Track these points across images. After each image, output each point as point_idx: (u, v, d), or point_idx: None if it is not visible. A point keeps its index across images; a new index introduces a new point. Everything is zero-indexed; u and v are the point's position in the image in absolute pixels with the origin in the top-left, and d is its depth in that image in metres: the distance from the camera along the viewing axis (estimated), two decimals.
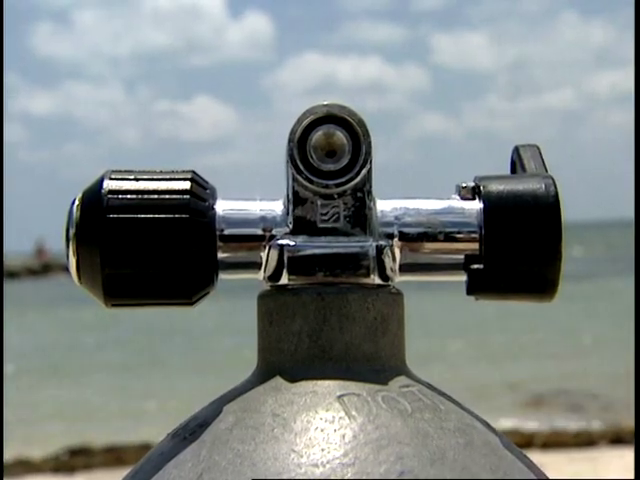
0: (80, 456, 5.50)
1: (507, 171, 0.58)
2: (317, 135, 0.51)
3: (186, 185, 0.51)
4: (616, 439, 5.37)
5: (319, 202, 0.52)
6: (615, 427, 5.58)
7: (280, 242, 0.52)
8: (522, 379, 7.69)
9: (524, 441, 5.00)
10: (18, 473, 5.20)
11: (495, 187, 0.53)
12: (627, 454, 4.67)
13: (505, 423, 5.58)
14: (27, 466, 5.36)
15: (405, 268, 0.53)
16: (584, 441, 5.42)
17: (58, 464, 5.42)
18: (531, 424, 5.87)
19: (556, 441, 5.37)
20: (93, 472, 5.28)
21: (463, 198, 0.53)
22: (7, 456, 5.22)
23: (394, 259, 0.52)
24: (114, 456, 5.39)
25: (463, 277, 0.53)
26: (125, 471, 0.53)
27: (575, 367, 8.18)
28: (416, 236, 0.53)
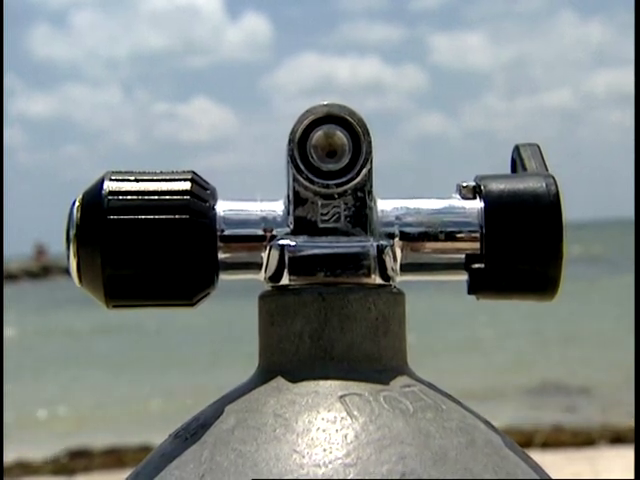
0: (80, 458, 5.50)
1: (506, 170, 0.59)
2: (317, 135, 0.51)
3: (186, 186, 0.51)
4: (616, 438, 5.37)
5: (320, 202, 0.52)
6: (614, 426, 5.58)
7: (281, 242, 0.52)
8: (521, 376, 7.71)
9: (524, 440, 4.99)
10: (18, 475, 5.19)
11: (496, 186, 0.53)
12: (627, 454, 4.67)
13: (504, 422, 5.58)
14: (27, 468, 5.36)
15: (406, 268, 0.53)
16: (583, 440, 5.42)
17: (58, 466, 5.42)
18: (531, 423, 5.86)
19: (555, 440, 5.37)
20: (93, 474, 5.27)
21: (464, 197, 0.53)
22: (7, 458, 5.22)
23: (395, 259, 0.52)
24: (114, 458, 5.39)
25: (464, 276, 0.53)
26: (125, 473, 0.53)
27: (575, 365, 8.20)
28: (417, 236, 0.53)
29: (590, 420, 5.98)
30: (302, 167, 0.51)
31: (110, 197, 0.51)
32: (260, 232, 0.52)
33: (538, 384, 7.47)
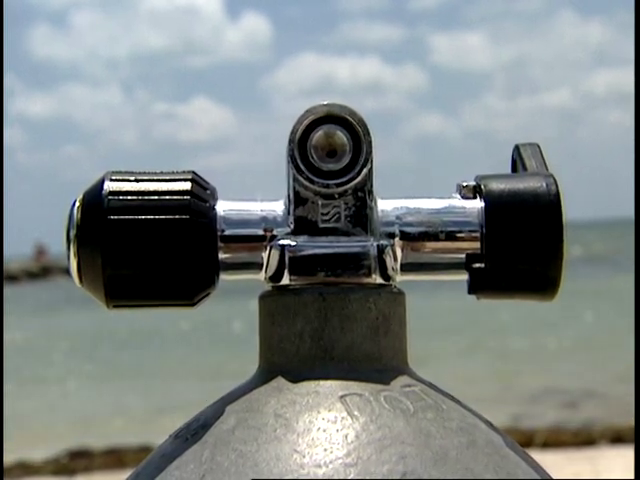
0: (80, 458, 5.50)
1: (506, 170, 0.59)
2: (318, 135, 0.51)
3: (187, 186, 0.51)
4: (616, 438, 5.36)
5: (320, 202, 0.52)
6: (615, 426, 5.57)
7: (281, 242, 0.52)
8: (521, 377, 7.71)
9: (524, 440, 4.99)
10: (18, 476, 5.19)
11: (496, 186, 0.53)
12: (627, 453, 4.67)
13: (505, 422, 5.58)
14: (27, 469, 5.36)
15: (406, 267, 0.53)
16: (584, 440, 5.42)
17: (58, 467, 5.42)
18: (531, 423, 5.86)
19: (556, 440, 5.37)
20: (93, 474, 5.27)
21: (464, 197, 0.53)
22: (7, 459, 5.22)
23: (395, 258, 0.52)
24: (114, 458, 5.39)
25: (464, 276, 0.53)
26: (125, 473, 0.53)
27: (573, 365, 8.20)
28: (417, 235, 0.53)
29: (590, 420, 5.97)
30: (302, 167, 0.51)
31: (110, 197, 0.51)
32: (260, 232, 0.52)
33: (539, 384, 7.47)
